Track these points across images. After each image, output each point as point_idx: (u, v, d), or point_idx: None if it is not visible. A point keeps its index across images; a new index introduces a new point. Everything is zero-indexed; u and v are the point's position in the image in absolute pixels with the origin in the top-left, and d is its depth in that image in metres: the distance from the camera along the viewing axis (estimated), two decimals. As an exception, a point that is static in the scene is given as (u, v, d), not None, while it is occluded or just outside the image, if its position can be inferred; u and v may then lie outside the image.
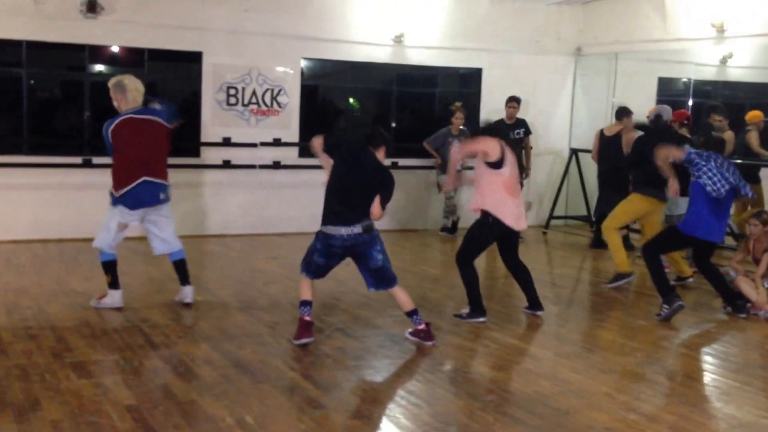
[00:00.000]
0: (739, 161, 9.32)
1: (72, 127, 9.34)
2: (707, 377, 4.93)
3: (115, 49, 9.14)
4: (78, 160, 8.84)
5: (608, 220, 7.37)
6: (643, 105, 8.97)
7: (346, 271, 5.78)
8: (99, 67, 9.35)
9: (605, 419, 4.05)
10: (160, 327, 5.45)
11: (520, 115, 10.05)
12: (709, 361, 5.22)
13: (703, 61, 10.83)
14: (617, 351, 5.35)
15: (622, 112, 8.91)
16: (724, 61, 10.97)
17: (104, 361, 4.70)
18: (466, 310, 5.93)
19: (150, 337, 5.19)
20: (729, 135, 8.64)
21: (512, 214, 5.72)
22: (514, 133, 9.80)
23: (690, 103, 10.40)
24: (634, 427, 3.99)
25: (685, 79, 11.02)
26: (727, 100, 11.17)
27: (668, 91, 11.49)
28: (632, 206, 7.26)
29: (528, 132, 9.99)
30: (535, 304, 6.12)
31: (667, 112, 7.36)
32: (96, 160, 8.87)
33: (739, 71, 11.47)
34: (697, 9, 9.52)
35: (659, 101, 11.03)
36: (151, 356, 4.82)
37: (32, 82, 8.82)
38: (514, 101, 9.85)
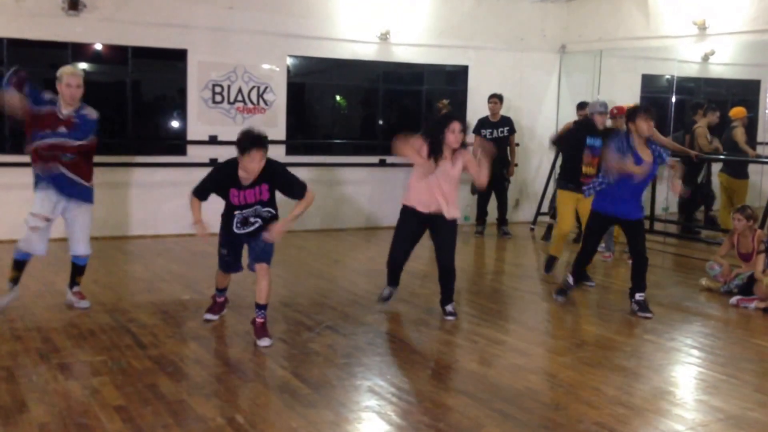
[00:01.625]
0: (724, 157, 9.47)
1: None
2: (694, 371, 4.97)
3: (98, 47, 9.06)
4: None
5: (557, 227, 7.61)
6: (628, 102, 9.02)
7: (335, 269, 5.78)
8: (82, 65, 9.26)
9: (594, 414, 4.08)
10: (148, 327, 5.42)
11: (506, 112, 10.08)
12: (695, 354, 5.27)
13: (686, 58, 10.93)
14: (605, 346, 5.38)
15: (580, 106, 9.34)
16: (706, 58, 11.09)
17: (92, 362, 4.66)
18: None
19: (138, 337, 5.16)
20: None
21: (419, 199, 5.76)
22: (498, 131, 9.83)
23: (673, 99, 10.48)
24: (623, 421, 4.01)
25: (668, 76, 11.11)
26: (709, 96, 11.29)
27: (652, 88, 11.59)
28: (562, 204, 7.45)
29: (513, 130, 10.02)
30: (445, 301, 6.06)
31: (592, 106, 7.44)
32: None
33: (721, 68, 11.59)
34: (679, 7, 9.60)
35: (643, 98, 11.14)
36: (139, 356, 4.79)
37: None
38: (495, 97, 9.86)
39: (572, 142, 7.42)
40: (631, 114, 5.96)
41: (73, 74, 5.62)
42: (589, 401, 4.26)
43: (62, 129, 5.46)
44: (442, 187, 5.73)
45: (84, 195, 5.69)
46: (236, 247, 5.32)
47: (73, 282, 5.91)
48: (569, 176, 7.34)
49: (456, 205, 5.87)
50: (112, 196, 8.90)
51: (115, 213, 8.95)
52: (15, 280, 5.75)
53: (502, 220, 10.10)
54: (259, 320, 5.11)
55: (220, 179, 5.16)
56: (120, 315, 5.71)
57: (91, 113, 5.64)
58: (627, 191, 5.98)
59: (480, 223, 10.10)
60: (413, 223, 5.88)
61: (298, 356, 4.90)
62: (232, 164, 5.08)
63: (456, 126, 5.65)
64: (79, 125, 5.52)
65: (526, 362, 5.01)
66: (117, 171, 8.99)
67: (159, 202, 9.11)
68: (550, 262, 7.64)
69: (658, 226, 9.99)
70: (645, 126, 5.84)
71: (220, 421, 3.83)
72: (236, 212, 5.13)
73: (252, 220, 5.16)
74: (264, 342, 5.05)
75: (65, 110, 5.52)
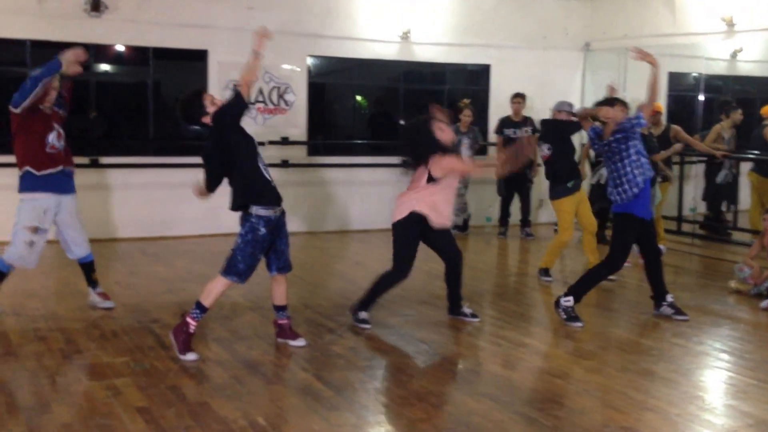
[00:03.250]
0: (755, 157, 9.31)
1: (78, 127, 9.31)
2: (723, 375, 4.87)
3: (119, 48, 9.11)
4: (85, 160, 8.79)
5: (558, 237, 7.28)
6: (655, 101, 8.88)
7: (357, 270, 5.74)
8: (104, 67, 9.32)
9: (621, 418, 4.00)
10: (170, 328, 5.37)
11: (528, 111, 9.98)
12: (724, 358, 5.16)
13: (714, 55, 10.75)
14: (631, 349, 5.29)
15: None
16: (734, 55, 10.89)
17: (115, 363, 4.66)
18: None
19: (160, 338, 5.15)
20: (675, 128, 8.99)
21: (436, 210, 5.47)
22: (521, 130, 9.74)
23: (701, 98, 10.32)
24: (650, 426, 3.94)
25: (695, 74, 10.94)
26: (737, 94, 11.10)
27: (679, 86, 11.42)
28: (562, 212, 7.09)
29: (535, 130, 9.90)
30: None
31: (560, 105, 7.28)
32: (103, 160, 8.86)
33: (749, 65, 11.40)
34: (706, 3, 9.45)
35: (669, 96, 10.97)
36: (161, 357, 4.78)
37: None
38: (519, 97, 9.76)
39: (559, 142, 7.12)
40: (597, 104, 5.95)
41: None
42: (615, 405, 4.18)
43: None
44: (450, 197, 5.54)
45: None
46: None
47: (92, 281, 5.87)
48: (567, 175, 7.01)
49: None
50: (132, 197, 8.95)
51: (136, 214, 8.98)
52: None
53: (525, 222, 10.01)
54: (288, 321, 5.09)
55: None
56: (142, 316, 5.71)
57: None
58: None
59: (503, 225, 10.01)
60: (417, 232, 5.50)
61: (320, 358, 4.87)
62: None
63: (441, 125, 5.35)
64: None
65: (551, 365, 4.94)
66: (138, 172, 9.03)
67: (180, 203, 9.12)
68: (544, 273, 7.31)
69: (685, 227, 9.84)
70: (602, 112, 5.73)
71: (242, 423, 3.81)
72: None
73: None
74: (300, 342, 5.04)
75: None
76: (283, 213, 4.92)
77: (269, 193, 4.80)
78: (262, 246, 4.79)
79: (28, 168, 5.40)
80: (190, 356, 4.70)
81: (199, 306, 4.77)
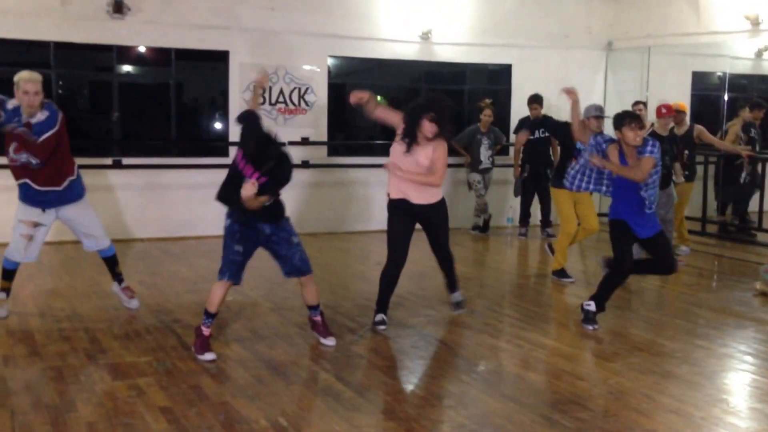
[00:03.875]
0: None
1: (101, 128, 9.41)
2: (748, 378, 4.81)
3: (142, 49, 9.18)
4: (108, 161, 8.89)
5: (561, 230, 7.23)
6: (677, 100, 8.80)
7: (378, 271, 5.74)
8: (127, 68, 9.41)
9: (645, 421, 3.96)
10: (192, 328, 5.42)
11: (550, 111, 9.91)
12: (749, 361, 5.09)
13: (739, 54, 10.62)
14: (655, 351, 5.24)
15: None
16: (759, 54, 10.76)
17: (138, 363, 4.70)
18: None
19: (182, 338, 5.18)
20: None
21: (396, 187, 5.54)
22: (540, 131, 9.67)
23: (725, 97, 10.20)
24: (675, 430, 3.89)
25: (719, 73, 10.82)
26: (763, 94, 10.96)
27: (703, 85, 11.30)
28: (560, 203, 7.10)
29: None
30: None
31: (587, 110, 7.12)
32: (126, 161, 8.94)
33: (775, 64, 11.25)
34: (730, 1, 9.34)
35: (693, 96, 10.86)
36: (184, 357, 4.81)
37: (61, 83, 8.89)
38: (536, 103, 9.55)
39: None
40: (617, 122, 5.45)
41: (30, 80, 5.21)
42: (639, 408, 4.14)
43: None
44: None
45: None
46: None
47: (116, 274, 5.86)
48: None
49: (430, 191, 5.52)
50: (155, 198, 9.01)
51: (158, 214, 9.04)
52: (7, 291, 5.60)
53: (545, 222, 9.94)
54: (320, 318, 5.12)
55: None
56: (165, 316, 5.76)
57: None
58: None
59: (523, 225, 9.96)
60: (404, 217, 5.55)
61: (342, 359, 4.87)
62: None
63: (432, 116, 5.29)
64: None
65: (573, 367, 4.90)
66: (160, 172, 9.09)
67: (201, 203, 9.17)
68: (560, 275, 7.20)
69: (710, 228, 9.73)
70: (631, 135, 5.34)
71: (263, 423, 3.82)
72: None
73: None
74: (329, 341, 5.08)
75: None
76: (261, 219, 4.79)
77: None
78: (235, 238, 4.78)
79: None
80: (208, 356, 4.74)
81: (205, 313, 4.84)
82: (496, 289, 7.13)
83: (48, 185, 5.38)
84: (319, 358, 4.89)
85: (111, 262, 5.84)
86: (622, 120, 5.41)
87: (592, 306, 5.69)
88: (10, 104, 5.23)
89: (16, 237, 5.48)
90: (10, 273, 5.58)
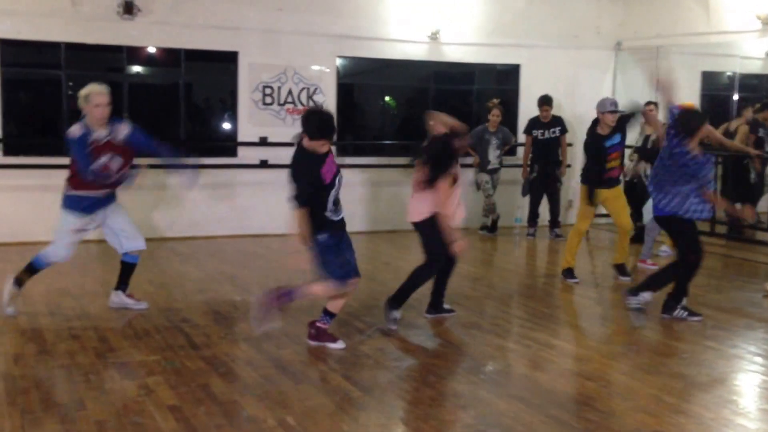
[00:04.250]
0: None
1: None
2: (757, 379, 4.79)
3: (152, 50, 9.22)
4: (118, 161, 8.92)
5: (574, 227, 7.30)
6: (686, 100, 8.75)
7: (386, 271, 5.74)
8: (137, 69, 9.45)
9: (653, 422, 3.95)
10: (200, 327, 5.47)
11: (559, 111, 9.90)
12: (759, 362, 5.07)
13: (749, 54, 10.57)
14: (663, 352, 5.22)
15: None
16: (770, 54, 10.71)
17: (147, 362, 4.72)
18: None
19: (191, 338, 5.20)
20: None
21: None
22: (549, 131, 9.66)
23: (735, 97, 10.15)
24: (684, 430, 3.88)
25: (729, 73, 10.77)
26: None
27: (712, 85, 11.24)
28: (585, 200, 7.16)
29: (564, 130, 9.83)
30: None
31: (602, 104, 7.06)
32: (135, 160, 8.95)
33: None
34: (741, 1, 9.29)
35: (703, 96, 10.81)
36: (192, 357, 4.83)
37: (71, 83, 8.93)
38: (545, 104, 9.61)
39: (592, 149, 7.14)
40: (693, 124, 5.89)
41: (101, 92, 5.37)
42: (647, 409, 4.13)
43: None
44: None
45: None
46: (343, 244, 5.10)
47: (125, 284, 5.90)
48: (593, 178, 7.02)
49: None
50: (164, 198, 9.04)
51: (168, 214, 9.08)
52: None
53: (554, 222, 9.93)
54: (324, 325, 5.14)
55: (311, 169, 4.97)
56: (173, 315, 5.78)
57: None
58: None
59: (532, 225, 9.95)
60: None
61: (349, 359, 4.88)
62: (305, 150, 5.03)
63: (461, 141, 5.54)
64: None
65: (581, 368, 4.89)
66: (169, 172, 9.10)
67: (210, 203, 9.21)
68: (568, 275, 7.22)
69: (719, 229, 9.67)
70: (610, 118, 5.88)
71: (271, 422, 3.83)
72: (330, 192, 4.95)
73: (339, 198, 5.02)
74: (314, 343, 5.11)
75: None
76: None
77: None
78: (338, 249, 5.07)
79: None
80: (339, 344, 5.03)
81: (326, 312, 5.12)
82: (504, 290, 7.12)
83: (108, 191, 5.61)
84: (327, 358, 4.90)
85: (131, 270, 5.91)
86: (700, 122, 5.98)
87: (677, 302, 5.89)
88: (75, 131, 5.27)
89: (63, 244, 5.56)
90: (36, 271, 5.67)
